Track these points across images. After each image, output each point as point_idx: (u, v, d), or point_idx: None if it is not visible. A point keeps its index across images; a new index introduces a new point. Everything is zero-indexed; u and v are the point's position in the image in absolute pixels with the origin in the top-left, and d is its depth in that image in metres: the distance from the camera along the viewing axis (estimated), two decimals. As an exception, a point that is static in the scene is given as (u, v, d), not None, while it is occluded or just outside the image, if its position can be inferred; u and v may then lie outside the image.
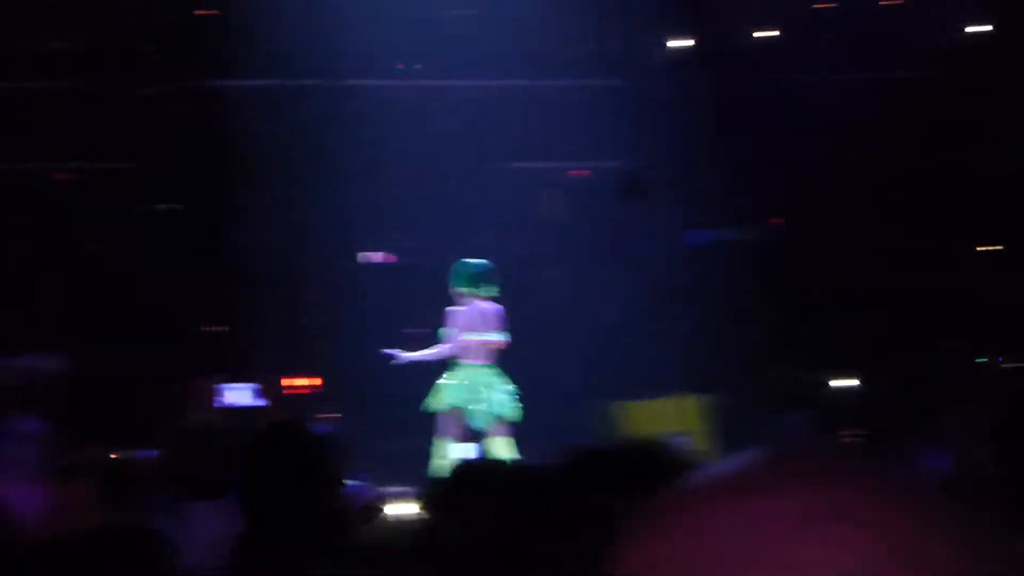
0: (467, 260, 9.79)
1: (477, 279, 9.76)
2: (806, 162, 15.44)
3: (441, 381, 9.82)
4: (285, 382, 12.26)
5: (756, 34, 16.35)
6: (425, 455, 9.78)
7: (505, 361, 9.93)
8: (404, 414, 10.69)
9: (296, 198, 15.53)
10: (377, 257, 16.54)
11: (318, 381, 13.39)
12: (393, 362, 9.86)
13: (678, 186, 15.61)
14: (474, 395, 9.68)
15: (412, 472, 9.05)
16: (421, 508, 2.81)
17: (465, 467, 3.02)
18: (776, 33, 16.34)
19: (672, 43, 16.50)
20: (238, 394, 4.40)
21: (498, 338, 9.94)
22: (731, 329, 15.05)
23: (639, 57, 16.33)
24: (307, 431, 3.20)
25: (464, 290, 9.76)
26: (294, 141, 15.27)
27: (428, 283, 15.30)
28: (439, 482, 2.89)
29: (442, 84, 15.81)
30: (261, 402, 4.48)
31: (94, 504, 3.40)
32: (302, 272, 15.42)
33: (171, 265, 15.00)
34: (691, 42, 16.42)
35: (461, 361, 9.95)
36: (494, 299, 9.90)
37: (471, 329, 9.80)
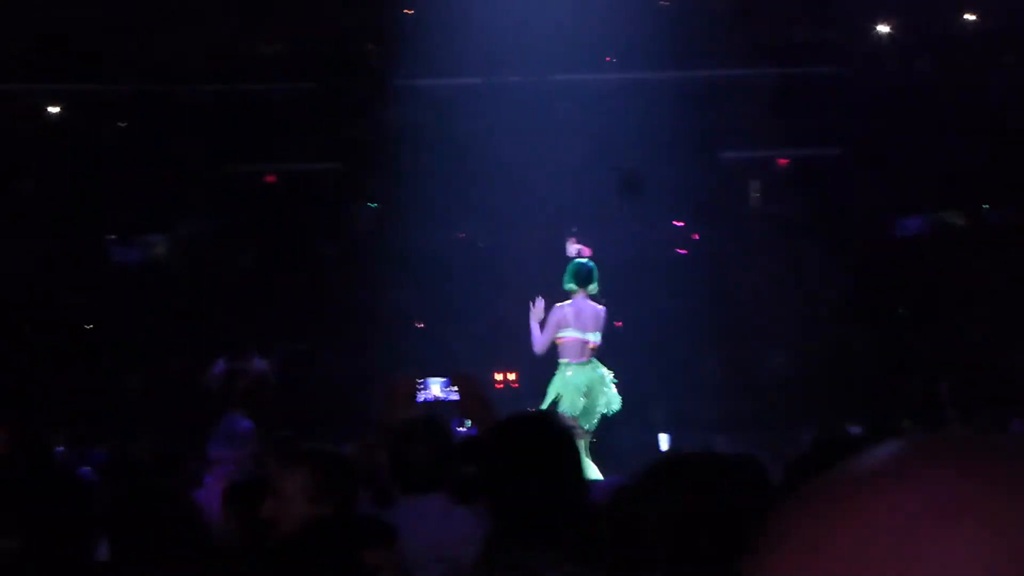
0: (578, 260, 9.89)
1: (585, 278, 9.89)
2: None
3: (555, 382, 9.84)
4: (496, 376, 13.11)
5: (967, 17, 15.92)
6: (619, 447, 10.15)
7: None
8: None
9: (500, 195, 15.57)
10: (574, 251, 16.37)
11: (513, 375, 13.83)
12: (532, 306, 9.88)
13: (885, 172, 15.28)
14: (588, 395, 9.75)
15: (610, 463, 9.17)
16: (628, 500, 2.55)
17: (675, 458, 2.75)
18: (982, 18, 15.80)
19: (883, 28, 16.20)
20: (437, 388, 4.36)
21: (595, 338, 10.03)
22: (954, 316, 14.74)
23: (850, 44, 16.04)
24: (555, 423, 3.12)
25: (572, 287, 9.88)
26: (498, 137, 15.29)
27: (623, 277, 15.65)
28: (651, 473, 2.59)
29: (642, 77, 15.64)
30: (454, 396, 4.29)
31: (313, 496, 3.31)
32: (499, 267, 15.55)
33: (370, 263, 15.39)
34: (901, 27, 16.04)
35: (566, 360, 9.99)
36: (594, 298, 9.99)
37: (576, 327, 9.91)
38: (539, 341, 9.96)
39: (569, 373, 9.86)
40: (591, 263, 9.95)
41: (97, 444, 10.39)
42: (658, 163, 14.95)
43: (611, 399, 9.94)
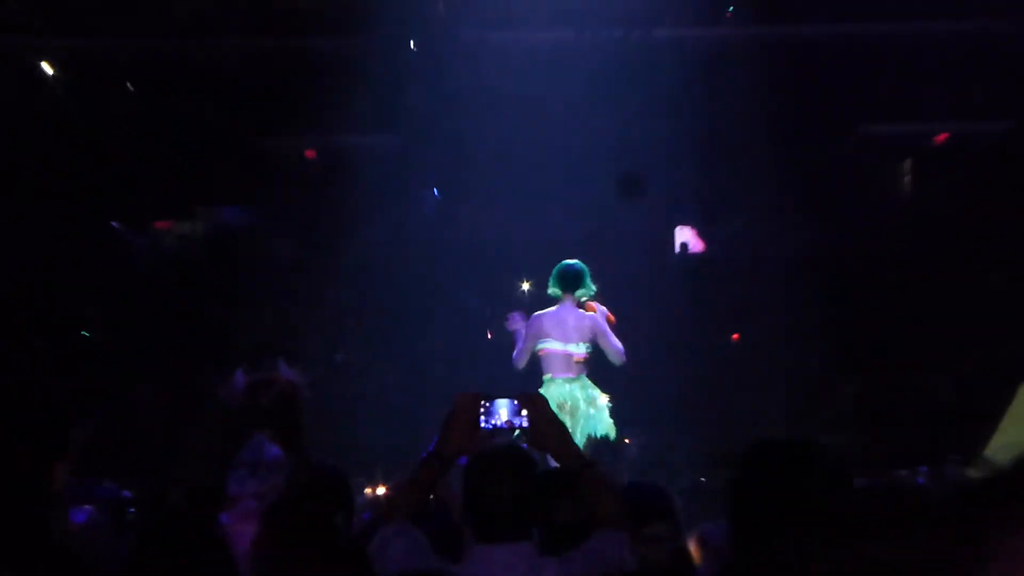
0: (566, 261, 10.09)
1: (572, 281, 10.07)
2: None
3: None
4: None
5: None
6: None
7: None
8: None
9: (596, 176, 15.55)
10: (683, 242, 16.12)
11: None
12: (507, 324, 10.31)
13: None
14: (564, 412, 9.95)
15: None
16: None
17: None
18: None
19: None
20: (505, 411, 4.26)
21: (580, 350, 10.10)
22: None
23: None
24: (814, 445, 3.16)
25: (557, 292, 10.11)
26: (591, 104, 15.17)
27: (732, 279, 15.19)
28: None
29: (763, 32, 15.34)
30: (525, 421, 4.19)
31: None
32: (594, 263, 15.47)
33: (430, 259, 15.60)
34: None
35: (549, 375, 10.29)
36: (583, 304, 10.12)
37: (557, 337, 10.12)
38: (516, 353, 10.26)
39: (551, 389, 10.08)
40: (579, 264, 10.12)
41: (101, 474, 10.55)
42: (780, 139, 14.83)
43: (596, 422, 10.16)
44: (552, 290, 10.17)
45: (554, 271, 10.23)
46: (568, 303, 10.19)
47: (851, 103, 15.37)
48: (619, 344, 10.52)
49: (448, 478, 4.93)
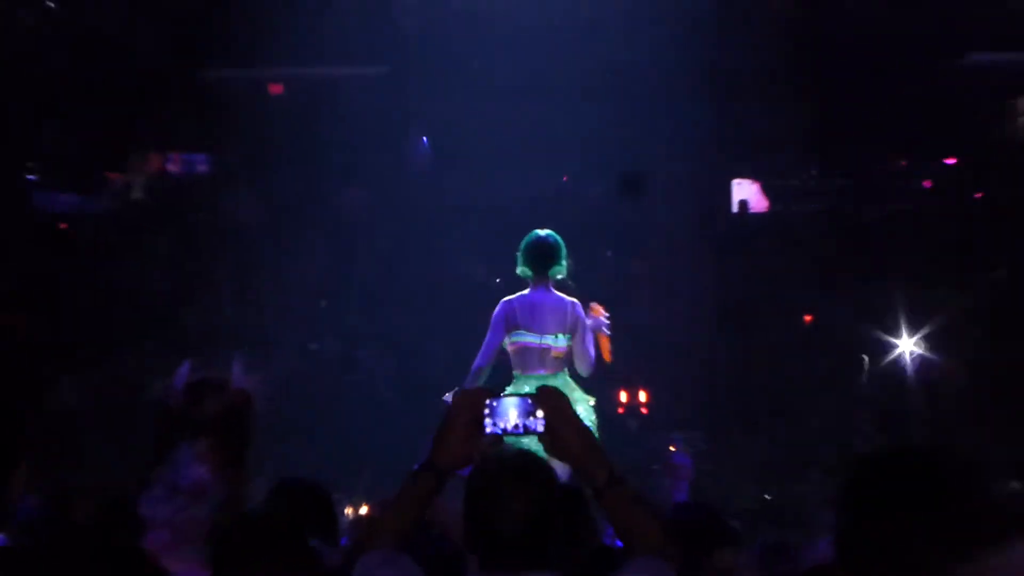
0: (536, 233, 9.91)
1: (544, 259, 9.83)
2: None
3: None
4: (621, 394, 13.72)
5: None
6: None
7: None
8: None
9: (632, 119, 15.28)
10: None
11: (644, 395, 14.27)
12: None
13: None
14: None
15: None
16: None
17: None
18: None
19: None
20: (514, 411, 4.26)
21: (559, 343, 9.81)
22: None
23: None
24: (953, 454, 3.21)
25: (527, 273, 9.87)
26: (623, 35, 15.06)
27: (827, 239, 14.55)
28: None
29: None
30: (540, 425, 4.22)
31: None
32: (628, 229, 15.86)
33: (423, 221, 15.51)
34: None
35: (518, 371, 10.05)
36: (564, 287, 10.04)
37: (530, 327, 9.95)
38: (481, 355, 9.98)
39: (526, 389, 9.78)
40: (552, 235, 9.90)
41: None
42: (873, 71, 14.89)
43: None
44: (521, 269, 9.85)
45: (521, 246, 9.88)
46: (542, 285, 9.84)
47: (957, 28, 15.30)
48: (593, 350, 10.00)
49: (446, 494, 4.83)
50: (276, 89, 16.75)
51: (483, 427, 4.33)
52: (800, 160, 16.40)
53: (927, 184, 16.48)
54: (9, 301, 15.40)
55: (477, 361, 9.96)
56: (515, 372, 10.13)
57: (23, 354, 14.65)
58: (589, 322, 9.88)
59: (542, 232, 9.94)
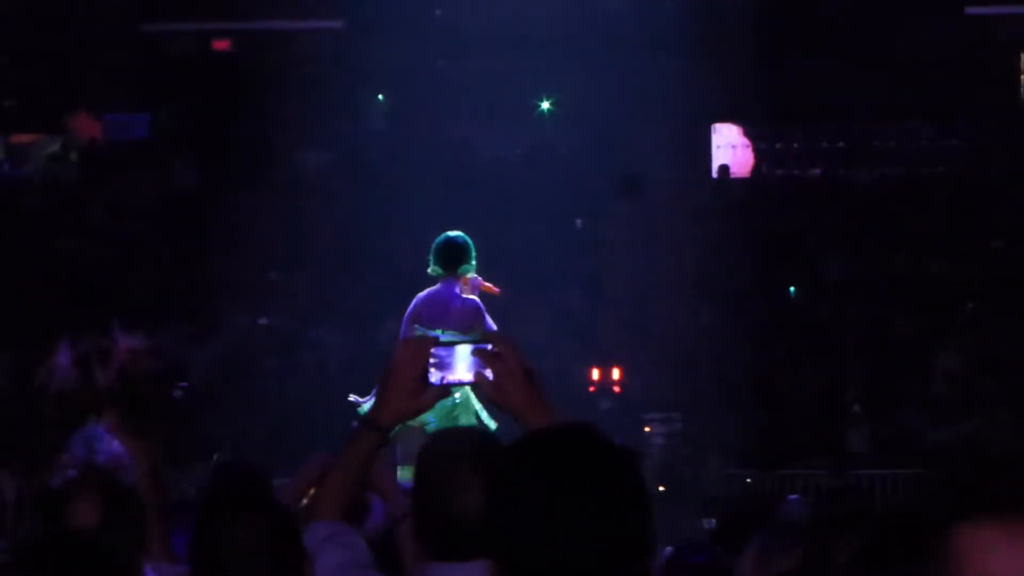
0: (447, 233, 10.47)
1: (454, 257, 10.30)
2: None
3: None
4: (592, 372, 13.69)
5: None
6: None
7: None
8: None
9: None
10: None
11: (617, 372, 14.19)
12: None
13: None
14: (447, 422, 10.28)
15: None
16: None
17: None
18: None
19: None
20: (463, 362, 4.17)
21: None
22: None
23: None
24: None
25: (437, 271, 10.33)
26: None
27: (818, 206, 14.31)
28: None
29: None
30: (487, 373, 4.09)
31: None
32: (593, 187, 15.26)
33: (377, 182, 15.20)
34: None
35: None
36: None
37: (429, 323, 10.38)
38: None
39: None
40: (462, 236, 10.43)
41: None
42: (868, 25, 14.71)
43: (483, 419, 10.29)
44: (432, 269, 10.30)
45: (433, 246, 10.34)
46: (450, 283, 10.30)
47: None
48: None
49: (386, 459, 4.99)
50: (221, 45, 16.65)
51: (427, 379, 4.17)
52: (786, 121, 16.30)
53: (922, 147, 16.26)
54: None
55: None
56: None
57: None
58: (466, 288, 10.37)
59: (452, 233, 10.44)
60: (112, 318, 7.04)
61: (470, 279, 10.47)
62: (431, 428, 9.61)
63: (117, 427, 6.06)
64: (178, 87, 15.94)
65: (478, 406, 10.27)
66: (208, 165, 15.99)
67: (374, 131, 16.31)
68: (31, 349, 13.87)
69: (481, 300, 10.58)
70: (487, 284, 10.59)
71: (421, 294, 10.44)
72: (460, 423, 10.21)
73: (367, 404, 10.27)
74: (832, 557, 3.80)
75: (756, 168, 16.31)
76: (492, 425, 10.00)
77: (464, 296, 10.46)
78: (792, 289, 15.71)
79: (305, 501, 5.67)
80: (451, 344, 4.20)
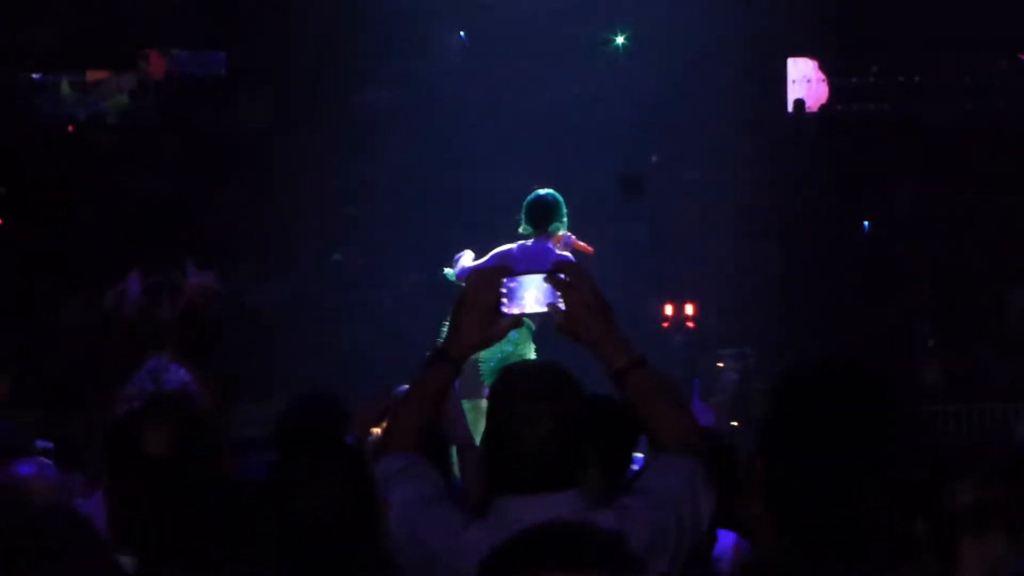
0: (536, 191, 10.39)
1: (543, 214, 10.23)
2: None
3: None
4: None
5: None
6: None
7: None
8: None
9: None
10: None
11: (691, 308, 14.19)
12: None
13: None
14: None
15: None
16: None
17: None
18: None
19: None
20: (534, 291, 4.15)
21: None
22: None
23: None
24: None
25: (528, 230, 10.26)
26: None
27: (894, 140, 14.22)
28: None
29: None
30: (560, 302, 4.15)
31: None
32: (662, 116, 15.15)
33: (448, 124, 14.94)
34: None
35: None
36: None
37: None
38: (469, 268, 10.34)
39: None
40: (553, 193, 10.36)
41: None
42: None
43: None
44: (524, 228, 10.24)
45: (524, 204, 10.32)
46: (542, 240, 10.25)
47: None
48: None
49: (453, 391, 4.81)
50: None
51: (499, 310, 4.22)
52: (860, 57, 16.00)
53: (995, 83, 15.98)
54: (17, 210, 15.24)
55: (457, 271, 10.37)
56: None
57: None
58: (559, 245, 10.27)
59: (541, 191, 10.32)
60: (186, 254, 7.13)
61: (563, 236, 10.38)
62: (487, 368, 9.91)
63: (179, 358, 6.63)
64: (253, 26, 15.71)
65: (534, 355, 10.24)
66: (281, 102, 15.84)
67: (449, 67, 16.08)
68: (107, 286, 13.99)
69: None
70: (581, 243, 10.48)
71: (512, 246, 10.37)
72: None
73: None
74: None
75: (830, 103, 16.22)
76: None
77: (557, 251, 10.32)
78: (866, 224, 15.55)
79: (377, 431, 5.86)
80: (523, 274, 4.15)
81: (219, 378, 6.69)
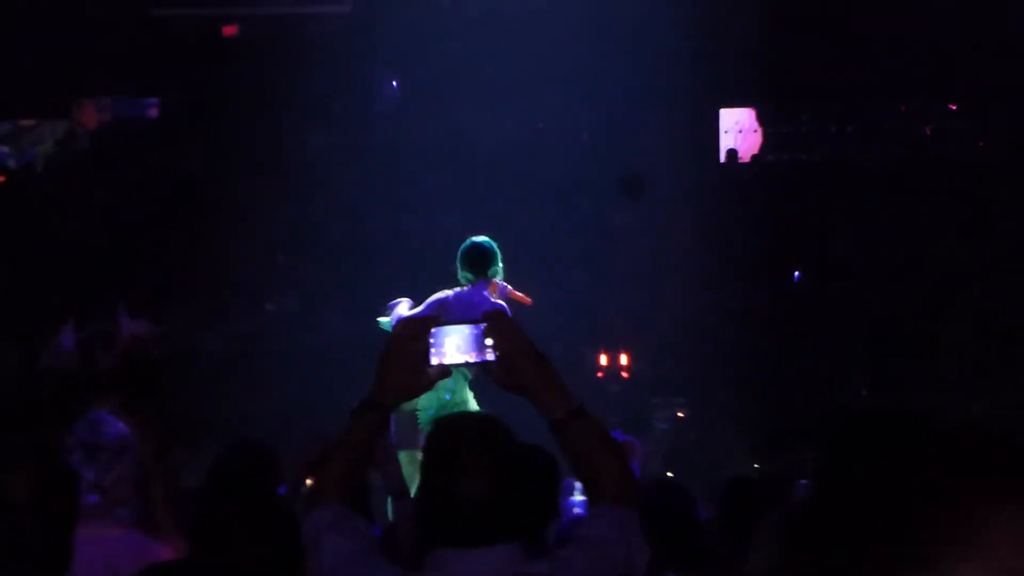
0: (471, 239, 10.51)
1: (480, 261, 10.34)
2: None
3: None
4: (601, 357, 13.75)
5: None
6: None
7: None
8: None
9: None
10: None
11: (626, 359, 14.24)
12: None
13: None
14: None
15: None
16: None
17: None
18: None
19: None
20: (461, 339, 4.02)
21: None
22: None
23: None
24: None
25: (466, 276, 10.37)
26: None
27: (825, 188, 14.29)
28: None
29: None
30: (491, 355, 4.12)
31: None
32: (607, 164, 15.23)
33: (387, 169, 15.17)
34: None
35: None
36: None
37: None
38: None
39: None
40: (488, 240, 10.48)
41: None
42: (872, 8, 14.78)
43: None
44: (461, 275, 10.35)
45: (460, 251, 10.46)
46: (479, 286, 10.35)
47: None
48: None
49: (387, 440, 5.07)
50: (230, 30, 16.51)
51: (427, 359, 4.18)
52: (792, 105, 16.19)
53: (928, 131, 16.18)
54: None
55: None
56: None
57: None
58: (495, 293, 10.32)
59: (477, 238, 10.45)
60: (118, 302, 6.90)
61: (498, 286, 10.42)
62: (425, 417, 9.99)
63: (120, 410, 6.35)
64: (186, 71, 15.82)
65: (473, 403, 10.33)
66: (215, 149, 15.85)
67: (383, 114, 16.13)
68: (39, 336, 13.93)
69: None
70: (517, 293, 10.50)
71: (448, 293, 10.38)
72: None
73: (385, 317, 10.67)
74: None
75: (762, 152, 16.32)
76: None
77: (492, 299, 10.33)
78: (796, 274, 15.65)
79: (308, 483, 5.81)
80: (448, 324, 4.16)
81: (160, 428, 6.37)
